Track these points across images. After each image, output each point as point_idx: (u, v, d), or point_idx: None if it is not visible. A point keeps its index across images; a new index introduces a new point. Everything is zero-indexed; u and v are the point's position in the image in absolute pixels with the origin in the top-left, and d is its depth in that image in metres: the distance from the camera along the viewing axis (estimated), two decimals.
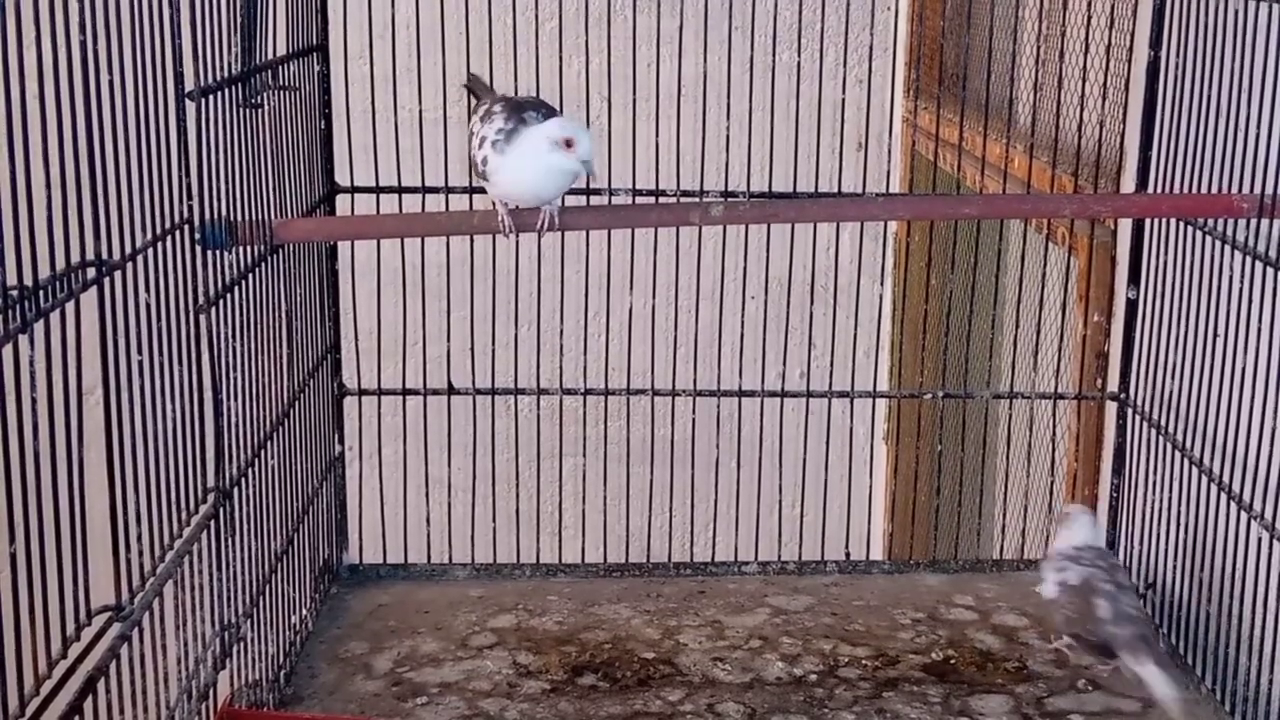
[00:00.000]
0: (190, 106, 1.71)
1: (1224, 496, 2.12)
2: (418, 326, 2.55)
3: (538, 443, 2.67)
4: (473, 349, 2.58)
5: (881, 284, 2.92)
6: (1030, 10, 2.95)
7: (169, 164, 1.68)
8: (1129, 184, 2.50)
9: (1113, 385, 2.58)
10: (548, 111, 1.91)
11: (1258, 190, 1.96)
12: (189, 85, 1.71)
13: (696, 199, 2.52)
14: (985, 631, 2.37)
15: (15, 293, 1.31)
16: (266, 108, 2.03)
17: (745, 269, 2.57)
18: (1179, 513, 2.27)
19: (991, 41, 2.94)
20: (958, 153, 2.78)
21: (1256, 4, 1.98)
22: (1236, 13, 2.03)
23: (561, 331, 2.57)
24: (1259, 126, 1.97)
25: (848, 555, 2.64)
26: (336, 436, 2.55)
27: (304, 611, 2.30)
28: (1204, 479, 2.18)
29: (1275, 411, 1.96)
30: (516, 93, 2.34)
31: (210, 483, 1.81)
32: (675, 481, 2.70)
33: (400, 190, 2.49)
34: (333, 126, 2.44)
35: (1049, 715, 2.10)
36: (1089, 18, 2.52)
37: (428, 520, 2.60)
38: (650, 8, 2.45)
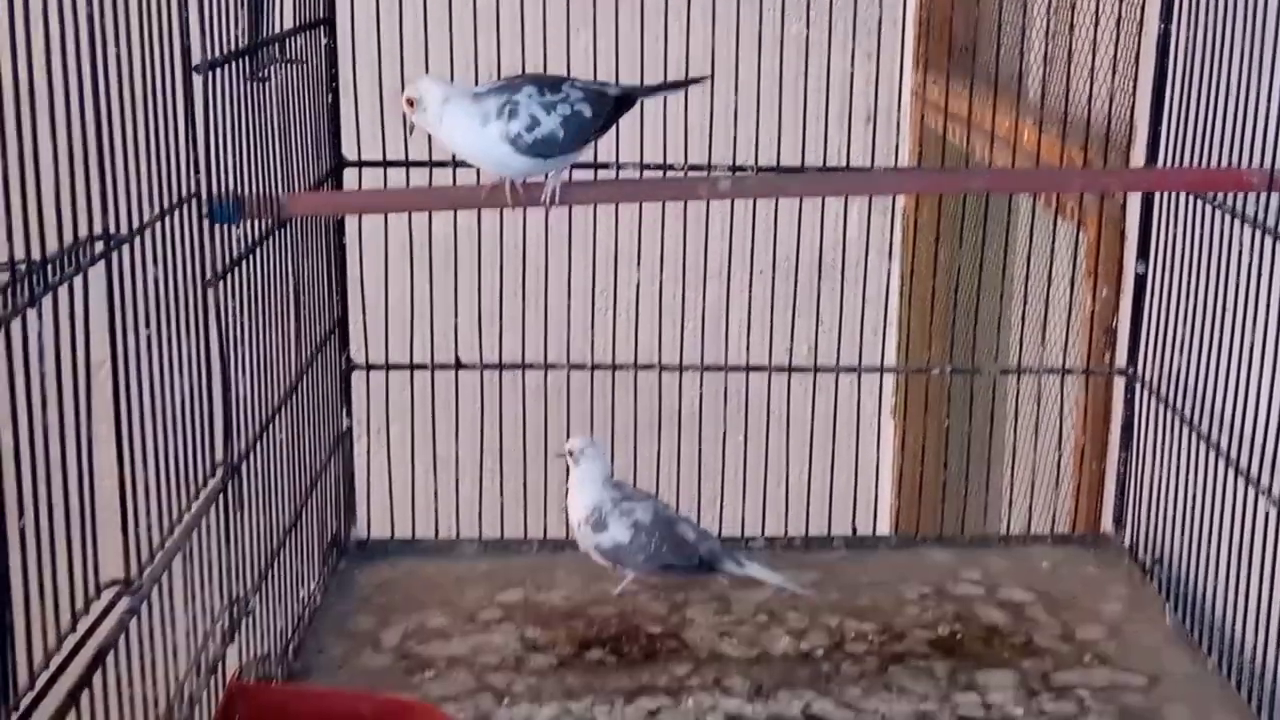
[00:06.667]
0: (197, 80, 1.71)
1: (1232, 471, 2.11)
2: (425, 301, 2.55)
3: (545, 417, 2.67)
4: (480, 323, 2.58)
5: (890, 259, 2.91)
6: None
7: (176, 138, 1.68)
8: (1138, 158, 2.49)
9: (1121, 360, 2.57)
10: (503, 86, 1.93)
11: (1268, 164, 1.95)
12: (196, 59, 1.71)
13: (704, 173, 2.51)
14: (992, 606, 2.37)
15: (23, 267, 1.31)
16: (273, 81, 2.03)
17: (753, 243, 2.56)
18: (1186, 488, 2.27)
19: (1001, 14, 2.93)
20: (967, 126, 2.77)
21: None
22: None
23: (569, 306, 2.57)
24: (1269, 100, 1.96)
25: (854, 530, 2.63)
26: (344, 411, 2.55)
27: (312, 586, 2.31)
28: (1212, 454, 2.18)
29: None
30: (524, 68, 2.33)
31: (218, 457, 1.81)
32: (682, 457, 2.70)
33: (408, 164, 2.48)
34: (340, 100, 2.43)
35: (1055, 690, 2.11)
36: None
37: (436, 495, 2.60)
38: None
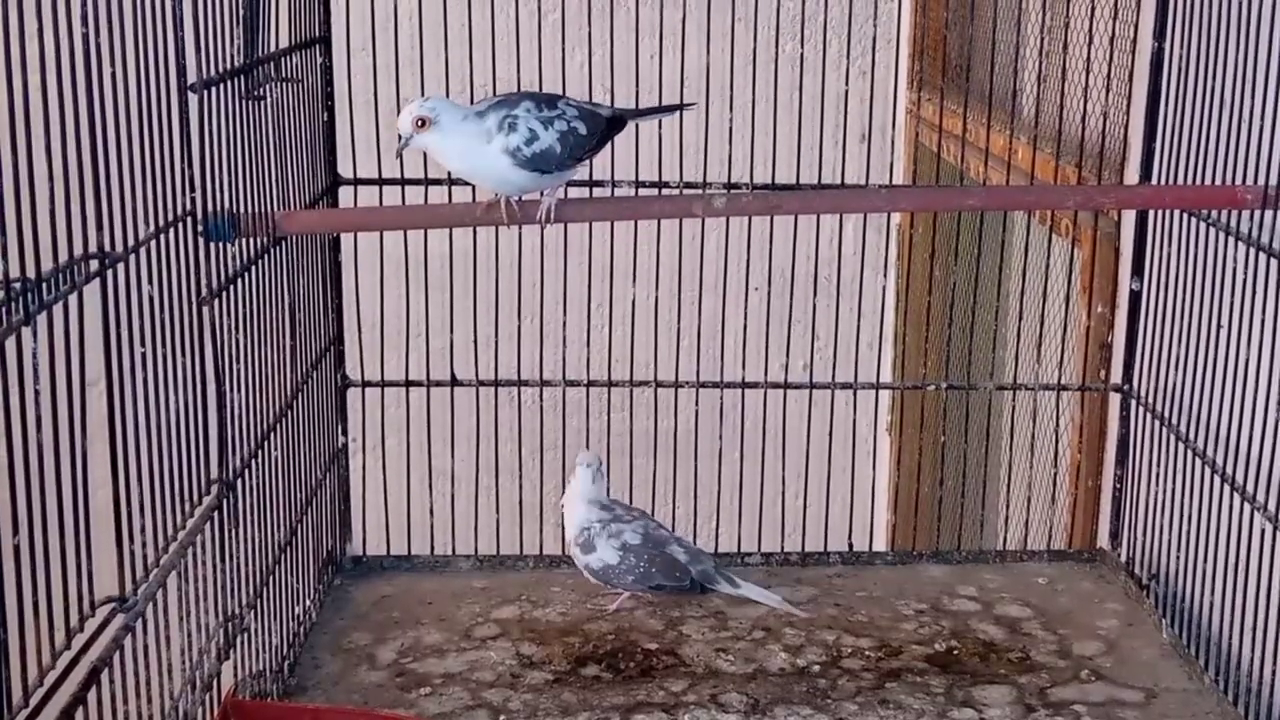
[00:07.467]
0: (193, 99, 1.72)
1: (1227, 488, 2.11)
2: (421, 318, 2.55)
3: (541, 434, 2.67)
4: (476, 340, 2.58)
5: (885, 275, 2.92)
6: (1033, 1, 2.95)
7: (171, 156, 1.68)
8: (1132, 175, 2.49)
9: (1116, 377, 2.58)
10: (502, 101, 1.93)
11: (1262, 181, 1.96)
12: (191, 77, 1.71)
13: (699, 190, 2.52)
14: (988, 622, 2.37)
15: (18, 285, 1.31)
16: (269, 100, 2.03)
17: (748, 260, 2.57)
18: (1182, 504, 2.27)
19: (995, 33, 2.94)
20: (961, 144, 2.78)
21: None
22: (1241, 3, 2.02)
23: (564, 323, 2.57)
24: (1263, 117, 1.96)
25: (851, 546, 2.64)
26: (340, 428, 2.55)
27: (308, 602, 2.31)
28: (1207, 470, 2.18)
29: (1279, 403, 1.96)
30: (519, 86, 2.35)
31: (214, 474, 1.81)
32: (678, 473, 2.70)
33: (403, 182, 2.49)
34: (335, 118, 2.44)
35: (1052, 706, 2.11)
36: (1093, 8, 2.52)
37: (431, 511, 2.60)
38: None
